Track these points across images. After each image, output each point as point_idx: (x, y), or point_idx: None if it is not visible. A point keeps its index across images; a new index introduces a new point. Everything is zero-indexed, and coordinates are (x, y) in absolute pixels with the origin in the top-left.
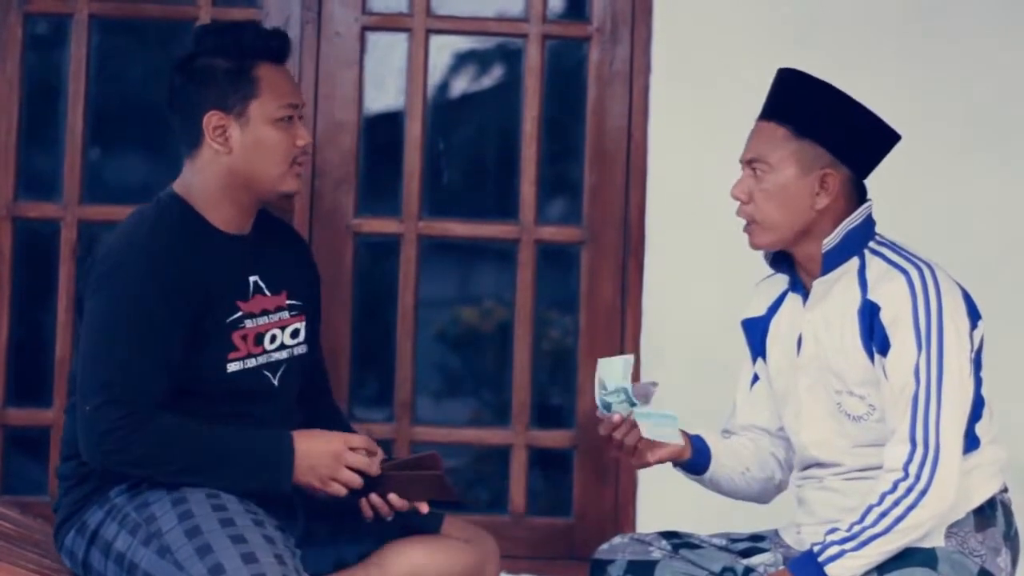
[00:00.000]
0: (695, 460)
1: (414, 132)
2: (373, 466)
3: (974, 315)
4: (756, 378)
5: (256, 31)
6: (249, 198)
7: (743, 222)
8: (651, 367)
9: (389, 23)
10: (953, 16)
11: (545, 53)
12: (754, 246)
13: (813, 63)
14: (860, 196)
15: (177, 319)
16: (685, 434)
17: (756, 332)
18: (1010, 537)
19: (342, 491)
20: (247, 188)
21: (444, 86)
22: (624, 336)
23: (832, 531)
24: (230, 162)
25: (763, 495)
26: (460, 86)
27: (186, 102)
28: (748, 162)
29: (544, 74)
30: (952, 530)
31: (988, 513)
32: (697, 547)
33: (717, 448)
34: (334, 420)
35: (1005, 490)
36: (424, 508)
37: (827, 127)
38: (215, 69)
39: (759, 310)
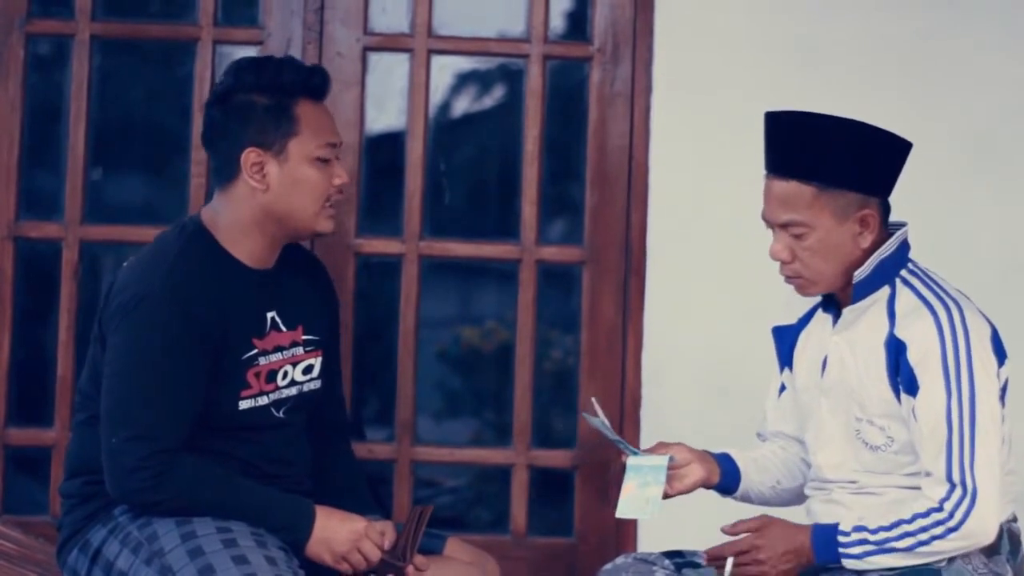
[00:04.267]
0: (724, 483)
1: (415, 152)
2: (377, 562)
3: (1001, 354)
4: (784, 387)
5: (296, 67)
6: (280, 234)
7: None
8: (653, 387)
9: (391, 44)
10: (954, 36)
11: (546, 73)
12: (806, 295)
13: (814, 83)
14: (887, 213)
15: (201, 356)
16: (712, 455)
17: (785, 341)
18: (1016, 565)
19: (349, 571)
20: (280, 225)
21: (445, 106)
22: (625, 356)
23: (859, 529)
24: (266, 200)
25: (794, 502)
26: (461, 106)
27: (223, 137)
28: (782, 226)
29: (545, 94)
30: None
31: (994, 541)
32: (701, 566)
33: (746, 467)
34: (345, 469)
35: (1014, 519)
36: (423, 566)
37: (853, 173)
38: (254, 105)
39: (791, 319)
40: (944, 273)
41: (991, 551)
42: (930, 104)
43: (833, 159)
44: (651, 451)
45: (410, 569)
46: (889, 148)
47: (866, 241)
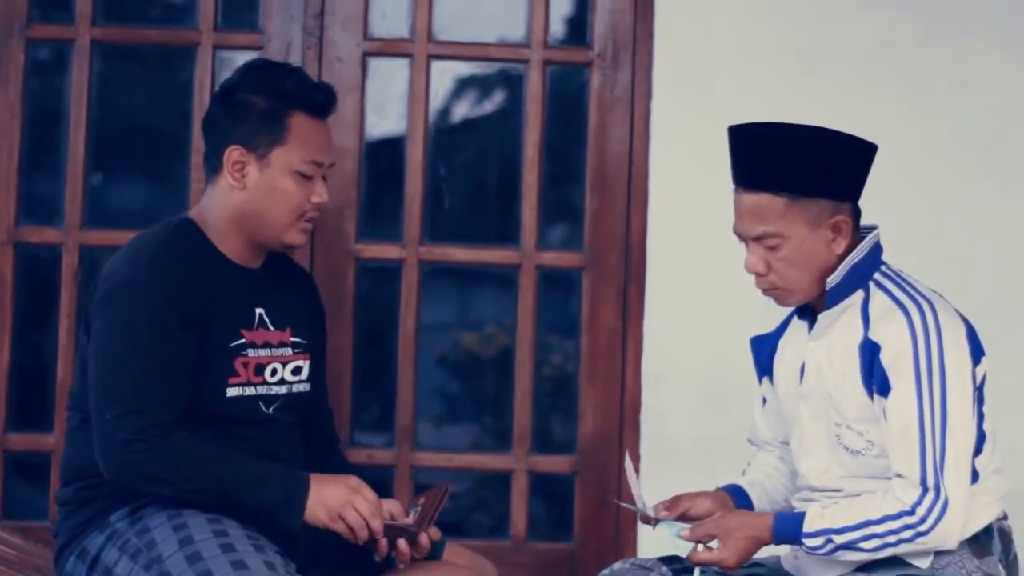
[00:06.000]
0: None
1: (415, 157)
2: (376, 521)
3: (977, 352)
4: (765, 399)
5: (301, 79)
6: (255, 237)
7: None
8: (652, 392)
9: (390, 49)
10: (954, 39)
11: (546, 79)
12: (784, 306)
13: (814, 88)
14: (859, 218)
15: (186, 336)
16: (726, 492)
17: (764, 350)
18: (1008, 563)
19: (347, 532)
20: (252, 228)
21: (445, 111)
22: (625, 361)
23: (824, 532)
24: (242, 199)
25: None
26: (461, 111)
27: (215, 130)
28: (756, 238)
29: (545, 99)
30: (947, 557)
31: (984, 540)
32: (701, 572)
33: (758, 497)
34: (339, 469)
35: (1004, 517)
36: (435, 536)
37: (823, 180)
38: (251, 106)
39: (767, 327)
40: (945, 274)
41: (983, 551)
42: (930, 107)
43: (802, 168)
44: (671, 507)
45: (423, 537)
46: (856, 152)
47: (840, 247)
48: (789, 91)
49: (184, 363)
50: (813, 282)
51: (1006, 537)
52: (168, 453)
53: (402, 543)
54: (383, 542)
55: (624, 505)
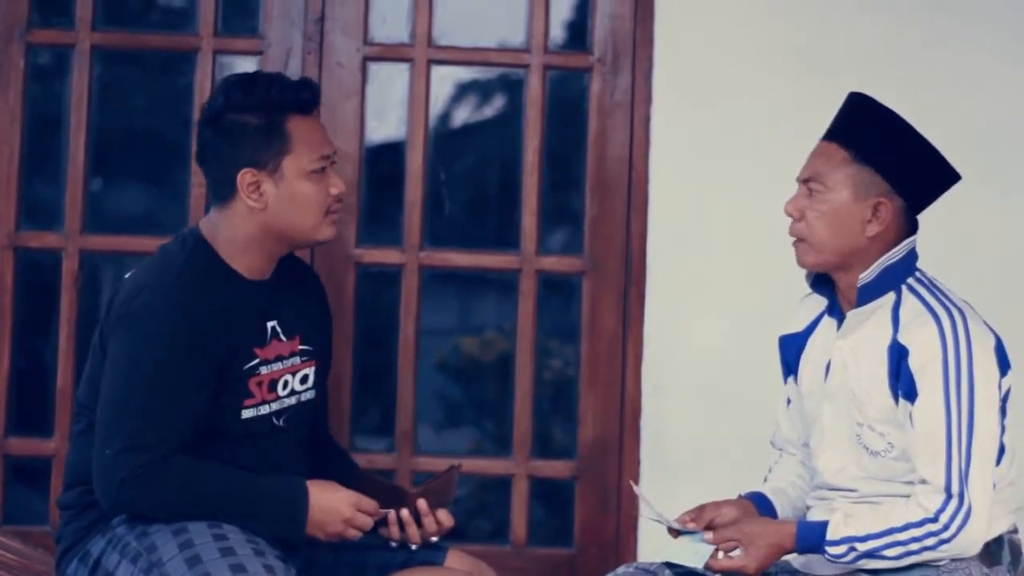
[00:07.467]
0: None
1: (415, 162)
2: (369, 525)
3: (1004, 365)
4: (790, 400)
5: (284, 84)
6: (280, 248)
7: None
8: (653, 396)
9: (391, 53)
10: (956, 45)
11: (546, 83)
12: (801, 264)
13: (814, 92)
14: (911, 227)
15: (204, 368)
16: (747, 498)
17: (792, 349)
18: (1016, 574)
19: (343, 538)
20: (280, 240)
21: (445, 116)
22: (625, 366)
23: (847, 540)
24: (264, 218)
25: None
26: (461, 116)
27: (217, 157)
28: (804, 180)
29: (545, 104)
30: (956, 562)
31: (994, 550)
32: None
33: (782, 505)
34: (339, 460)
35: (1015, 531)
36: (446, 521)
37: (887, 156)
38: (246, 126)
39: (798, 326)
40: (944, 278)
41: (992, 560)
42: (930, 109)
43: (878, 138)
44: (697, 518)
45: (421, 503)
46: (935, 165)
47: (872, 231)
48: (789, 92)
49: (197, 393)
50: (835, 251)
51: (1016, 549)
52: (161, 487)
53: (405, 513)
54: (394, 528)
55: (649, 518)
